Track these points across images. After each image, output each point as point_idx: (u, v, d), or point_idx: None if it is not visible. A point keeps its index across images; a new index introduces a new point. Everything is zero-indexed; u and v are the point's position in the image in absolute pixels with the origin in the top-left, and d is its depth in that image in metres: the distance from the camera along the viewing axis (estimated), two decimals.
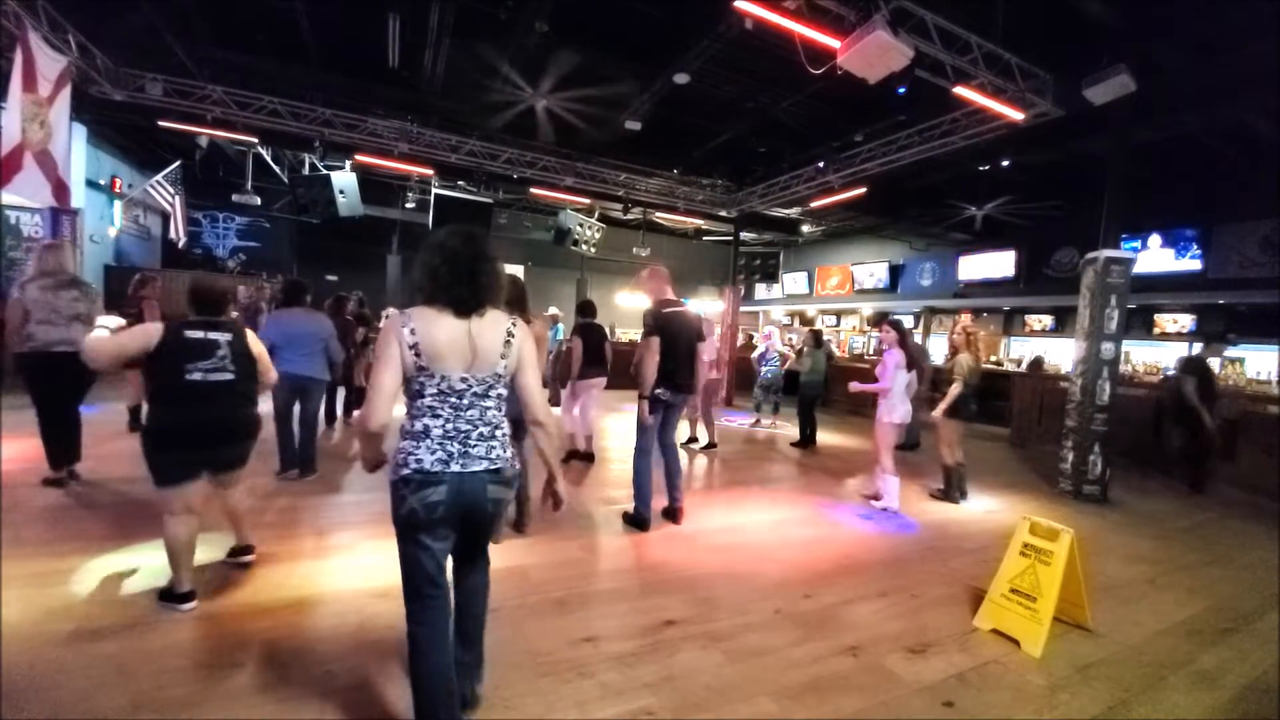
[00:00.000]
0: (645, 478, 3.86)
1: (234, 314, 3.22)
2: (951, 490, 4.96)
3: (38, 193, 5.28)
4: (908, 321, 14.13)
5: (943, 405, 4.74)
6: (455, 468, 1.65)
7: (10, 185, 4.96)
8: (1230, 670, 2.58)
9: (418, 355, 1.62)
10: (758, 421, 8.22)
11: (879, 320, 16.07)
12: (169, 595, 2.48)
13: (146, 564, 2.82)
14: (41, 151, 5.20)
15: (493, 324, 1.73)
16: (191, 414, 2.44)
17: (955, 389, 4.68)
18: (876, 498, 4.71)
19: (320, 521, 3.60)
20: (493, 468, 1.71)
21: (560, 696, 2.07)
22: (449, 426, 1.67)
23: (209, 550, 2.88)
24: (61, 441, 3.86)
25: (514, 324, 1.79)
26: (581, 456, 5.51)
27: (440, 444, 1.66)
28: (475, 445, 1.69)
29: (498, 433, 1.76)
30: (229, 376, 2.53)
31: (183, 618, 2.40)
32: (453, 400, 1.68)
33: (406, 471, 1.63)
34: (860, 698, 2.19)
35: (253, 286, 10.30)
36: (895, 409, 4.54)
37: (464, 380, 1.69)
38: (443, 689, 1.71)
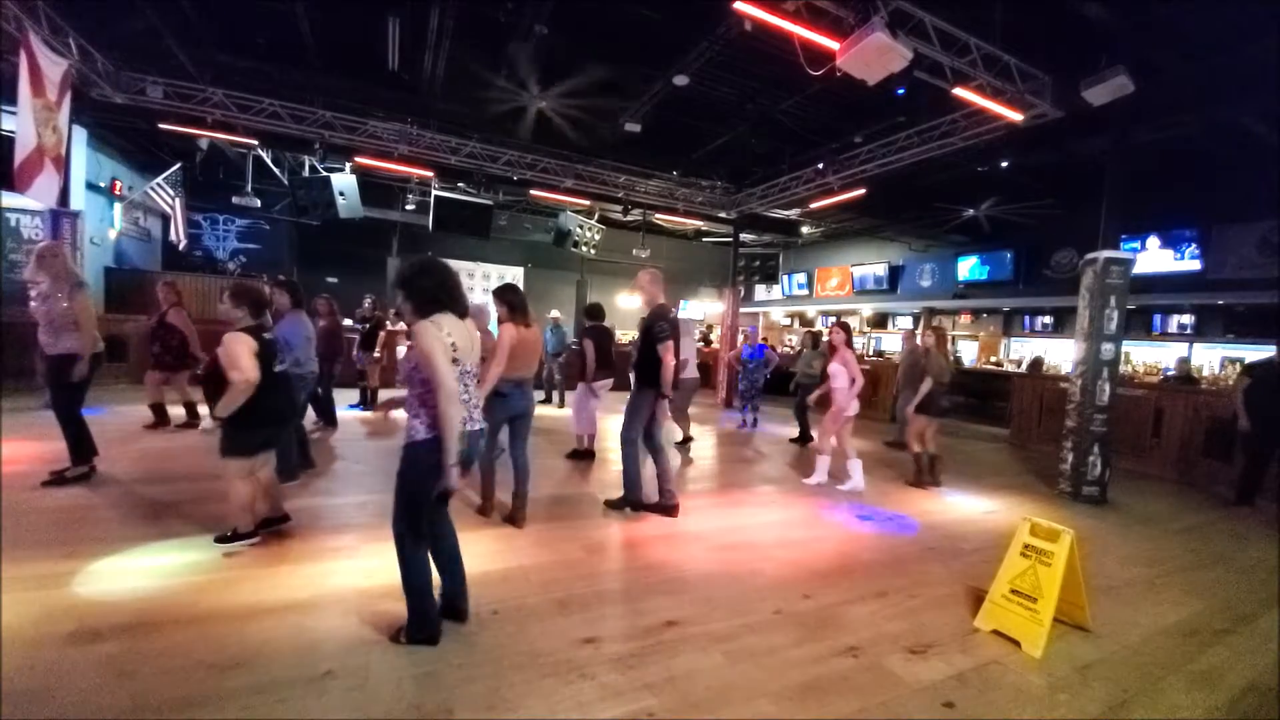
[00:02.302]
0: (639, 464, 4.19)
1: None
2: (921, 476, 5.39)
3: (50, 196, 5.33)
4: (906, 322, 14.16)
5: (914, 401, 5.27)
6: (473, 427, 2.32)
7: (33, 189, 5.01)
8: (1229, 671, 2.58)
9: (455, 350, 2.21)
10: (744, 422, 8.29)
11: (879, 321, 16.07)
12: (235, 536, 3.07)
13: (148, 565, 2.83)
14: (55, 155, 5.26)
15: (470, 326, 2.37)
16: (277, 399, 3.17)
17: (925, 386, 5.15)
18: (833, 478, 5.18)
19: (321, 523, 3.60)
20: (480, 428, 2.38)
21: (561, 698, 2.07)
22: (466, 399, 2.29)
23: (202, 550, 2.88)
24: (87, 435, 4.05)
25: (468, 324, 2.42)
26: (583, 455, 5.64)
27: (466, 411, 2.28)
28: (474, 411, 2.36)
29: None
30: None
31: (183, 619, 2.40)
32: (466, 380, 2.32)
33: (461, 429, 2.21)
34: (860, 698, 2.19)
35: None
36: (851, 403, 5.08)
37: (470, 366, 2.35)
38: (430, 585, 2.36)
